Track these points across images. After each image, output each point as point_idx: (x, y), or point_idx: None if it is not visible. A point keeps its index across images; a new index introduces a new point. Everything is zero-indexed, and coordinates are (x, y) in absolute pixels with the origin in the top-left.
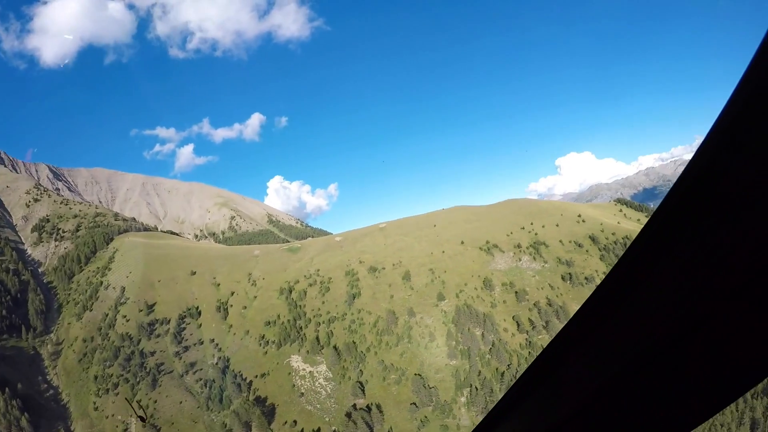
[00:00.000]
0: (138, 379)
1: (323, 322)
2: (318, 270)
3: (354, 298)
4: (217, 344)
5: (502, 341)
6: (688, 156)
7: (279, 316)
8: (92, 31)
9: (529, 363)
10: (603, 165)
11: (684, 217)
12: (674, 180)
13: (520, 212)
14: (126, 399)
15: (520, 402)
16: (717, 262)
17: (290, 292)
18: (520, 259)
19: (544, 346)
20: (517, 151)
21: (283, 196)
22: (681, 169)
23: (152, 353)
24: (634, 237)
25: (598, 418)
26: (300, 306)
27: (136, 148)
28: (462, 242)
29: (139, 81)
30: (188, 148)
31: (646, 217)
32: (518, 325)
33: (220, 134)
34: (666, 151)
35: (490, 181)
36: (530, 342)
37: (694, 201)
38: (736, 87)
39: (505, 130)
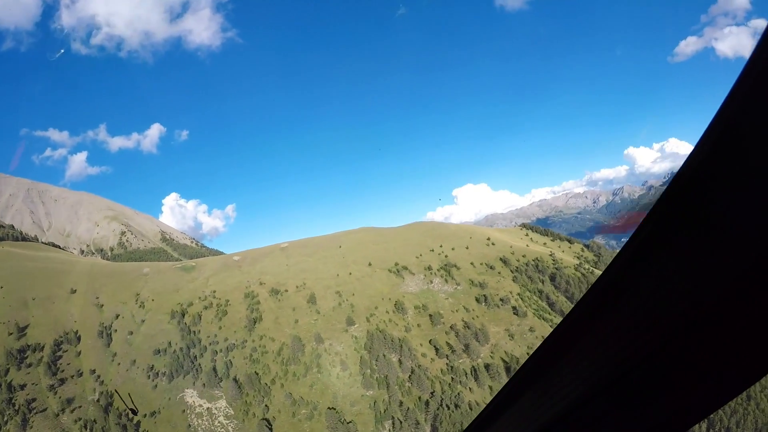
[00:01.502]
0: (5, 419)
1: (221, 351)
2: (214, 291)
3: (255, 322)
4: (98, 376)
5: (421, 367)
6: (579, 189)
7: (170, 343)
8: None
9: (517, 367)
10: (498, 196)
11: (677, 217)
12: (565, 211)
13: (429, 234)
14: (115, 390)
15: (511, 403)
16: (710, 261)
17: (183, 315)
18: (431, 282)
19: (536, 347)
20: (417, 181)
21: (178, 214)
22: (572, 201)
23: (22, 386)
24: (544, 259)
25: (589, 419)
26: (194, 332)
27: (24, 150)
28: (370, 264)
29: (36, 75)
30: (81, 156)
31: (552, 240)
32: (436, 349)
33: (117, 143)
34: (558, 185)
35: (390, 208)
36: (452, 367)
37: (689, 200)
38: (733, 85)
39: (406, 160)
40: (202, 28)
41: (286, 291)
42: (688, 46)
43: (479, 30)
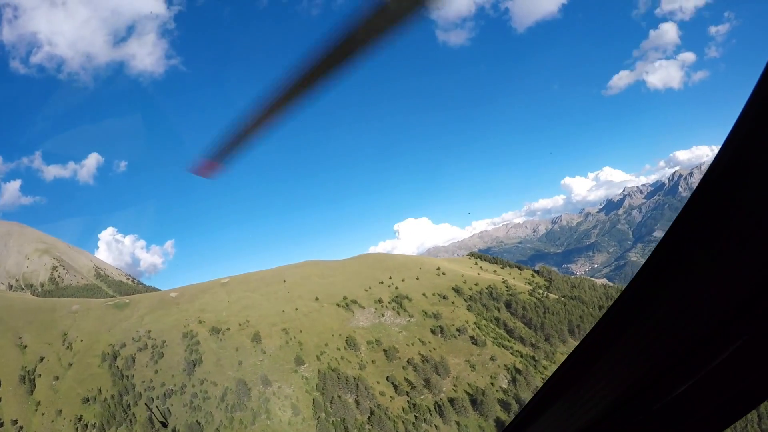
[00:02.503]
0: None
1: (157, 398)
2: (149, 331)
3: (194, 365)
4: (21, 427)
5: (381, 407)
6: (519, 220)
7: (101, 389)
8: None
9: (545, 378)
10: (439, 229)
11: (707, 224)
12: (506, 241)
13: (377, 267)
14: (146, 404)
15: (540, 413)
16: (736, 272)
17: (115, 358)
18: (383, 315)
19: (565, 358)
20: (359, 216)
21: (115, 250)
22: (513, 231)
23: None
24: (497, 286)
25: (618, 428)
26: (127, 376)
27: None
28: (317, 299)
29: None
30: (14, 185)
31: (501, 268)
32: (395, 386)
33: (53, 171)
34: (498, 216)
35: (333, 243)
36: (414, 404)
37: (719, 204)
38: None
39: (348, 196)
40: (146, 54)
41: (228, 330)
42: (621, 79)
43: (421, 64)
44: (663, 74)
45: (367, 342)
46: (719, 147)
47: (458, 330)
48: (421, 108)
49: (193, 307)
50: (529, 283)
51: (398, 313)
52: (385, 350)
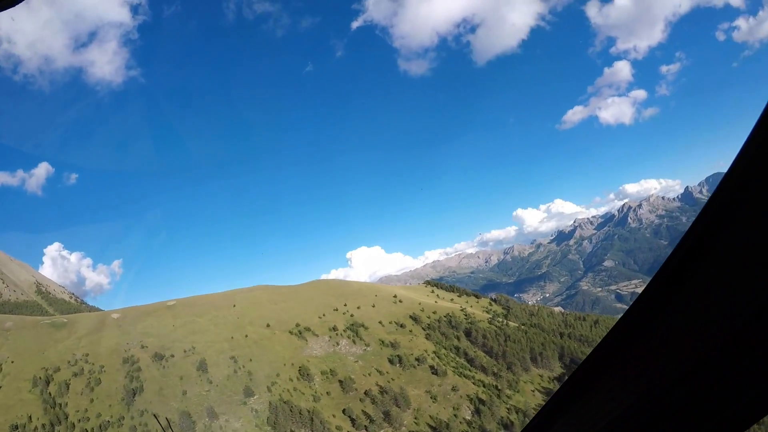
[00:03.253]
0: None
1: (92, 429)
2: (87, 355)
3: (134, 394)
4: None
5: None
6: (471, 250)
7: (30, 417)
8: None
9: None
10: (392, 258)
11: (718, 232)
12: (458, 271)
13: (331, 293)
14: (153, 415)
15: (550, 424)
16: (750, 280)
17: (47, 383)
18: (337, 344)
19: (580, 363)
20: (311, 244)
21: (60, 266)
22: (465, 261)
23: None
24: (456, 314)
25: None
26: (60, 404)
27: None
28: (268, 325)
29: None
30: None
31: (458, 296)
32: (352, 420)
33: None
34: (450, 246)
35: (285, 270)
36: None
37: (737, 207)
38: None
39: (302, 223)
40: (106, 62)
41: (173, 356)
42: (575, 114)
43: (379, 92)
44: (615, 110)
45: (322, 372)
46: (670, 180)
47: (417, 359)
48: (376, 136)
49: (135, 330)
50: (487, 312)
51: (354, 341)
52: (340, 381)
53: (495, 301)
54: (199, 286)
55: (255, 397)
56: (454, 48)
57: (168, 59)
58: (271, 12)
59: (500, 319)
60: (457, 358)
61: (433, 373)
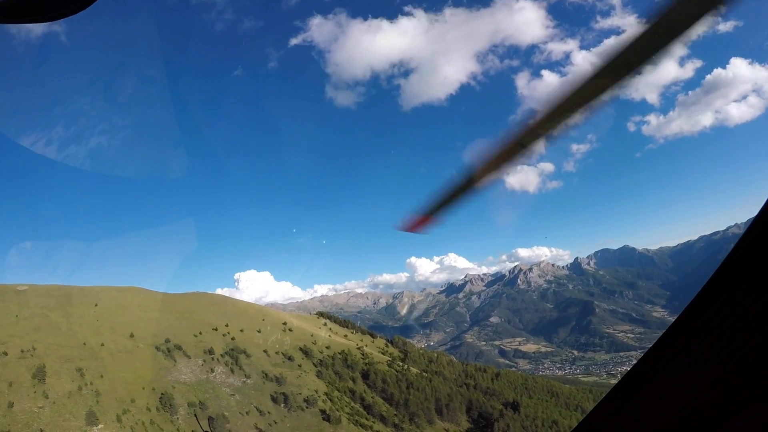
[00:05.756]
0: None
1: None
2: None
3: None
4: None
5: None
6: (361, 290)
7: None
8: None
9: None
10: (280, 286)
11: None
12: (345, 309)
13: (214, 309)
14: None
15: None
16: None
17: None
18: (212, 370)
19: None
20: (200, 255)
21: None
22: (353, 300)
23: None
24: (352, 352)
25: None
26: None
27: None
28: (132, 335)
29: None
30: None
31: (353, 333)
32: None
33: None
34: (341, 284)
35: (165, 278)
36: None
37: None
38: None
39: (191, 233)
40: None
41: (5, 354)
42: None
43: (301, 115)
44: (522, 177)
45: (189, 403)
46: (561, 249)
47: (306, 400)
48: (286, 158)
49: None
50: (383, 353)
51: (232, 370)
52: (210, 417)
53: (391, 342)
54: (63, 274)
55: (99, 427)
56: (384, 87)
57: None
58: (217, 1)
59: (400, 363)
60: (353, 403)
61: (324, 418)
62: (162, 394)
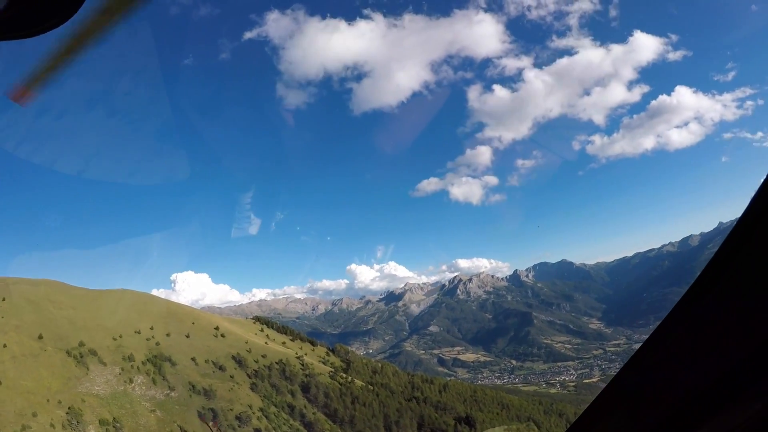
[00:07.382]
0: None
1: None
2: None
3: None
4: None
5: None
6: (300, 295)
7: None
8: None
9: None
10: (218, 289)
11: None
12: (284, 314)
13: (137, 309)
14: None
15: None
16: None
17: None
18: (131, 380)
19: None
20: (136, 251)
21: None
22: (292, 305)
23: None
24: (291, 362)
25: None
26: None
27: None
28: (41, 336)
29: None
30: None
31: (291, 340)
32: None
33: None
34: (279, 288)
35: (91, 274)
36: None
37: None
38: None
39: (128, 228)
40: None
41: None
42: (430, 185)
43: (249, 112)
44: (466, 189)
45: (100, 421)
46: (500, 262)
47: (238, 417)
48: (228, 154)
49: None
50: (324, 362)
51: (154, 380)
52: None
53: (333, 351)
54: None
55: None
56: (336, 89)
57: None
58: None
59: (343, 375)
60: (291, 420)
61: None
62: (69, 407)
